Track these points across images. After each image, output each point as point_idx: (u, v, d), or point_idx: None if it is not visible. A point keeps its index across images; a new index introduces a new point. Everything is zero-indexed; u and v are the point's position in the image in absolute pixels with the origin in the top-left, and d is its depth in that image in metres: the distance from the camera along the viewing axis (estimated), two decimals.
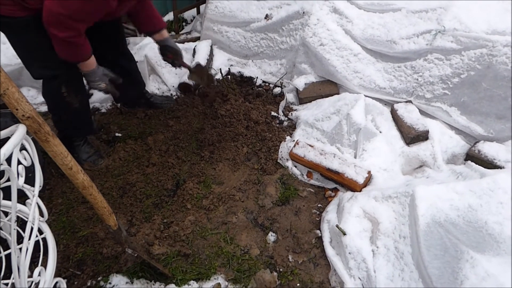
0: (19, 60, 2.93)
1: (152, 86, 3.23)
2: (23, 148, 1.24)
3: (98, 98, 3.07)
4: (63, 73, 2.23)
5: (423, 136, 2.61)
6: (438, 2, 2.76)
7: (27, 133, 1.22)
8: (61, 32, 1.93)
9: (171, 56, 2.64)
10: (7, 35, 2.06)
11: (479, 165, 2.37)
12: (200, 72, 2.81)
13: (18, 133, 1.09)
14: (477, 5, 2.73)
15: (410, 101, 2.80)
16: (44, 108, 2.99)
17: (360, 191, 2.37)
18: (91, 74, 2.24)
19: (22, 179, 1.14)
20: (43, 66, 2.17)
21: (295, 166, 2.63)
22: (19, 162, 1.14)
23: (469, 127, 2.64)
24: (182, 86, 3.15)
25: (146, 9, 2.44)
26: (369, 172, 2.41)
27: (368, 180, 2.42)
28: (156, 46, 3.29)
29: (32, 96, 3.07)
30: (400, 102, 2.82)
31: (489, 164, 2.38)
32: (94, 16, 1.99)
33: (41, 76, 2.25)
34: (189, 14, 4.15)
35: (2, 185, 1.26)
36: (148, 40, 3.54)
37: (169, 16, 3.95)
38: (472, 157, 2.51)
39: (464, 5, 2.70)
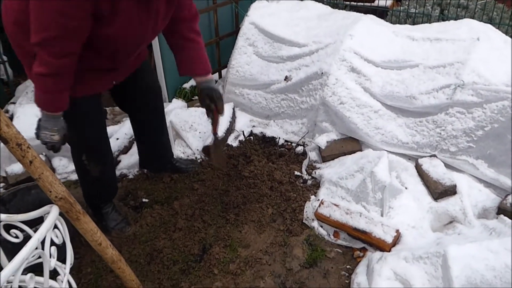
0: None
1: (177, 150, 3.31)
2: (55, 226, 1.29)
3: (126, 165, 3.16)
4: (83, 143, 2.30)
5: (451, 191, 2.57)
6: (455, 56, 2.81)
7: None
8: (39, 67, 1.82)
9: (208, 100, 2.40)
10: None
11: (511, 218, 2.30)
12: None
13: (51, 216, 1.14)
14: (494, 58, 2.76)
15: (434, 155, 2.78)
16: (75, 177, 3.09)
17: (389, 250, 2.31)
18: (51, 121, 2.00)
19: (54, 261, 1.17)
20: (36, 134, 2.14)
21: (321, 226, 2.60)
22: (51, 243, 1.19)
23: (498, 180, 2.59)
24: (206, 149, 3.21)
25: (191, 50, 2.32)
26: (397, 231, 2.36)
27: (397, 239, 2.37)
28: (180, 111, 3.43)
29: (63, 165, 3.19)
30: (424, 156, 2.80)
31: None
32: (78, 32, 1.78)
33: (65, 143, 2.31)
34: None
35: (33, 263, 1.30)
36: (173, 106, 3.70)
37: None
38: (504, 210, 2.44)
39: (481, 58, 2.74)
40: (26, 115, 3.22)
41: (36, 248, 1.05)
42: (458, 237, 2.30)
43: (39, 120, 2.03)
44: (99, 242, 1.41)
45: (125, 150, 3.32)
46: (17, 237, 1.36)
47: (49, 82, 1.87)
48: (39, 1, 1.67)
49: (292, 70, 3.36)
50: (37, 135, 2.06)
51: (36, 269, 1.31)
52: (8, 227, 1.32)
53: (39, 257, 1.28)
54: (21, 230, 1.33)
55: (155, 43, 3.63)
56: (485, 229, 2.32)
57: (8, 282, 1.29)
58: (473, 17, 3.71)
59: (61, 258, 1.41)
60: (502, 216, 2.39)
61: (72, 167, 3.14)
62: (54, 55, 1.78)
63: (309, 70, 3.22)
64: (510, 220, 2.28)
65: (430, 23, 3.57)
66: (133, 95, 2.56)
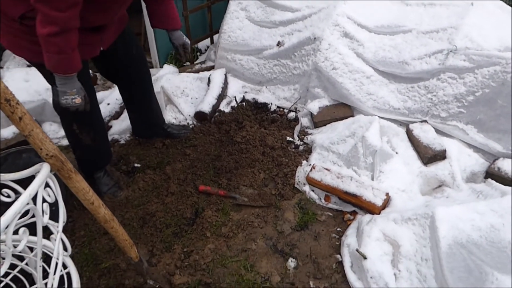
0: (41, 96, 3.08)
1: (169, 116, 3.29)
2: (46, 185, 1.29)
3: (117, 130, 3.15)
4: (72, 114, 2.20)
5: (440, 156, 2.60)
6: (448, 21, 2.78)
7: (50, 170, 1.27)
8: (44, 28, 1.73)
9: (181, 50, 2.57)
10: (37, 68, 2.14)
11: (499, 182, 2.35)
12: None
13: (43, 173, 1.14)
14: (488, 23, 2.74)
15: (425, 121, 2.80)
16: (66, 142, 3.07)
17: (379, 213, 2.35)
18: (69, 83, 1.95)
19: (46, 217, 1.18)
20: (56, 102, 2.14)
21: (313, 191, 2.63)
22: (43, 200, 1.19)
23: (487, 145, 2.62)
24: (198, 115, 3.21)
25: (164, 5, 2.36)
26: (387, 194, 2.40)
27: (386, 202, 2.41)
28: (172, 77, 3.40)
29: (54, 131, 3.17)
30: (415, 122, 2.81)
31: (509, 182, 2.35)
32: None
33: (56, 110, 2.28)
34: (203, 44, 4.26)
35: (26, 222, 1.31)
36: (164, 71, 3.65)
37: None
38: (492, 174, 2.48)
39: (475, 23, 2.72)
40: (14, 80, 3.17)
41: (28, 204, 1.05)
42: (447, 200, 2.35)
43: (55, 86, 1.98)
44: (92, 201, 1.42)
45: (116, 115, 3.30)
46: (9, 196, 1.36)
47: (61, 41, 1.79)
48: None
49: (284, 35, 3.32)
50: (57, 102, 2.01)
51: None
52: None
53: (32, 217, 1.29)
54: (14, 191, 1.34)
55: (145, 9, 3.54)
56: (473, 192, 2.37)
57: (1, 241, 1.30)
58: None
59: (54, 219, 1.42)
60: (489, 180, 2.43)
61: (62, 132, 3.12)
62: (58, 8, 1.69)
63: (301, 35, 3.18)
64: (497, 184, 2.32)
65: None
66: (116, 65, 2.52)
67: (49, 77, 2.03)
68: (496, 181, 2.37)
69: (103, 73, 2.64)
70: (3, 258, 1.56)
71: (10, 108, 1.07)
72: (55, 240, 1.35)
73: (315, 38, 3.08)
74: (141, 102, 2.82)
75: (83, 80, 2.13)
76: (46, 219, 1.18)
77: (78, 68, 1.94)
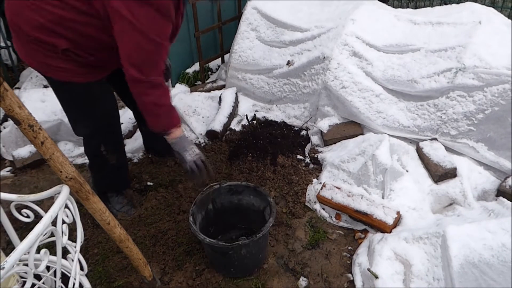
0: (57, 116, 3.15)
1: None
2: (65, 206, 1.33)
3: (130, 149, 3.21)
4: (102, 132, 2.37)
5: (451, 174, 2.60)
6: (456, 40, 2.81)
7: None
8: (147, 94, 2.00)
9: None
10: (54, 90, 2.24)
11: (510, 201, 2.34)
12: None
13: (63, 195, 1.18)
14: (496, 41, 2.77)
15: (435, 139, 2.81)
16: (81, 161, 3.14)
17: (390, 232, 2.36)
18: (181, 140, 2.20)
19: (65, 238, 1.22)
20: (84, 125, 2.33)
21: (323, 209, 2.64)
22: (63, 221, 1.23)
23: (498, 162, 2.62)
24: (210, 133, 3.26)
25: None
26: (398, 213, 2.40)
27: (397, 221, 2.41)
28: (184, 96, 3.46)
29: (69, 150, 3.23)
30: (425, 140, 2.83)
31: None
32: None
33: (81, 134, 2.40)
34: (214, 63, 4.33)
35: (46, 241, 1.35)
36: (176, 90, 3.72)
37: (196, 66, 4.13)
38: (504, 192, 2.47)
39: (483, 42, 2.74)
40: (31, 100, 3.26)
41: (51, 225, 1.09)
42: (458, 219, 2.35)
43: (174, 150, 2.24)
44: (108, 222, 1.46)
45: (130, 134, 3.37)
46: (28, 216, 1.41)
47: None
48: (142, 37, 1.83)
49: (294, 55, 3.37)
50: (186, 161, 2.22)
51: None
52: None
53: (49, 237, 1.33)
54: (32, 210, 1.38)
55: None
56: (484, 210, 2.36)
57: (21, 261, 1.34)
58: (475, 1, 3.69)
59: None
60: (501, 198, 2.43)
61: (77, 151, 3.19)
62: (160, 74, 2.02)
63: (311, 55, 3.23)
64: (509, 202, 2.31)
65: (432, 6, 3.56)
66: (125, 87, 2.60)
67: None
68: (508, 199, 2.37)
69: (120, 93, 2.72)
70: (21, 277, 1.60)
71: (33, 134, 1.12)
72: (72, 259, 1.38)
73: (324, 57, 3.13)
74: None
75: (108, 96, 2.24)
76: (65, 239, 1.22)
77: (180, 121, 2.21)
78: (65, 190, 1.22)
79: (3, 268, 0.95)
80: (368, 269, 2.08)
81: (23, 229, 2.50)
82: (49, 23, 1.88)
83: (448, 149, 2.77)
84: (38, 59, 2.03)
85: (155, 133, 2.96)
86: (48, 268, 1.65)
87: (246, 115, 3.44)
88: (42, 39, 1.93)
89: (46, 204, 2.38)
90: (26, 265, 1.09)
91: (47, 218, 1.07)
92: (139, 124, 2.97)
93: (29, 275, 1.08)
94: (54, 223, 1.20)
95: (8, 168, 3.16)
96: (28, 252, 1.05)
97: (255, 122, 3.42)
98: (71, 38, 1.94)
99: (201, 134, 3.32)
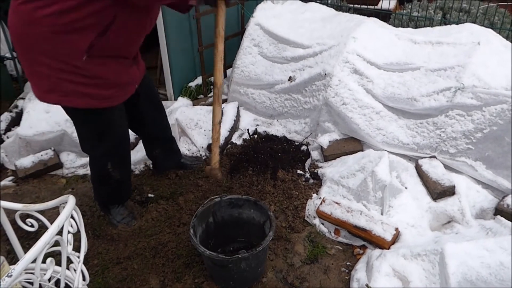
0: (61, 127, 3.19)
1: (183, 148, 3.38)
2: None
3: (132, 161, 3.22)
4: (113, 152, 2.42)
5: (449, 191, 2.63)
6: (456, 60, 2.87)
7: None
8: None
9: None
10: (66, 112, 2.27)
11: (508, 219, 2.36)
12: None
13: (69, 205, 1.21)
14: (494, 62, 2.82)
15: (434, 157, 2.84)
16: (82, 171, 3.17)
17: (389, 248, 2.37)
18: None
19: (70, 247, 1.24)
20: (96, 146, 2.37)
21: (323, 224, 2.66)
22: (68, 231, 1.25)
23: (496, 181, 2.65)
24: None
25: None
26: (396, 229, 2.42)
27: (396, 237, 2.43)
28: (186, 109, 3.51)
29: (71, 160, 3.26)
30: (424, 157, 2.86)
31: None
32: None
33: (89, 153, 2.46)
34: None
35: (49, 250, 1.37)
36: (178, 104, 3.77)
37: (198, 81, 4.18)
38: (501, 211, 2.50)
39: (482, 62, 2.79)
40: (36, 110, 3.29)
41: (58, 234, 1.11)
42: (456, 236, 2.36)
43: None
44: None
45: (131, 146, 3.39)
46: (32, 226, 1.43)
47: None
48: None
49: (296, 71, 3.43)
50: None
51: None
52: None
53: (52, 246, 1.35)
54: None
55: (162, 43, 3.70)
56: (482, 229, 2.38)
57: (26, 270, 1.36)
58: (474, 22, 3.76)
59: None
60: (499, 217, 2.45)
61: (80, 162, 3.22)
62: None
63: (312, 71, 3.28)
64: (506, 221, 2.34)
65: (432, 26, 3.63)
66: (136, 116, 2.68)
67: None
68: (506, 218, 2.39)
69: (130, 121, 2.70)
70: (23, 287, 1.61)
71: None
72: (74, 269, 1.40)
73: (325, 74, 3.18)
74: (163, 144, 2.99)
75: (121, 120, 2.36)
76: (70, 249, 1.24)
77: None
78: (71, 200, 1.24)
79: (11, 276, 0.97)
80: (367, 285, 2.10)
81: (24, 239, 2.51)
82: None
83: (446, 167, 2.80)
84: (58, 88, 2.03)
85: (167, 157, 3.03)
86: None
87: (248, 129, 3.48)
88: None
89: (47, 213, 2.41)
90: (32, 273, 1.11)
91: (54, 227, 1.09)
92: (148, 153, 3.06)
93: (35, 283, 1.10)
94: (59, 232, 1.23)
95: (10, 178, 3.18)
96: (35, 261, 1.07)
97: (256, 136, 3.46)
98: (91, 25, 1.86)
99: (202, 147, 3.35)
